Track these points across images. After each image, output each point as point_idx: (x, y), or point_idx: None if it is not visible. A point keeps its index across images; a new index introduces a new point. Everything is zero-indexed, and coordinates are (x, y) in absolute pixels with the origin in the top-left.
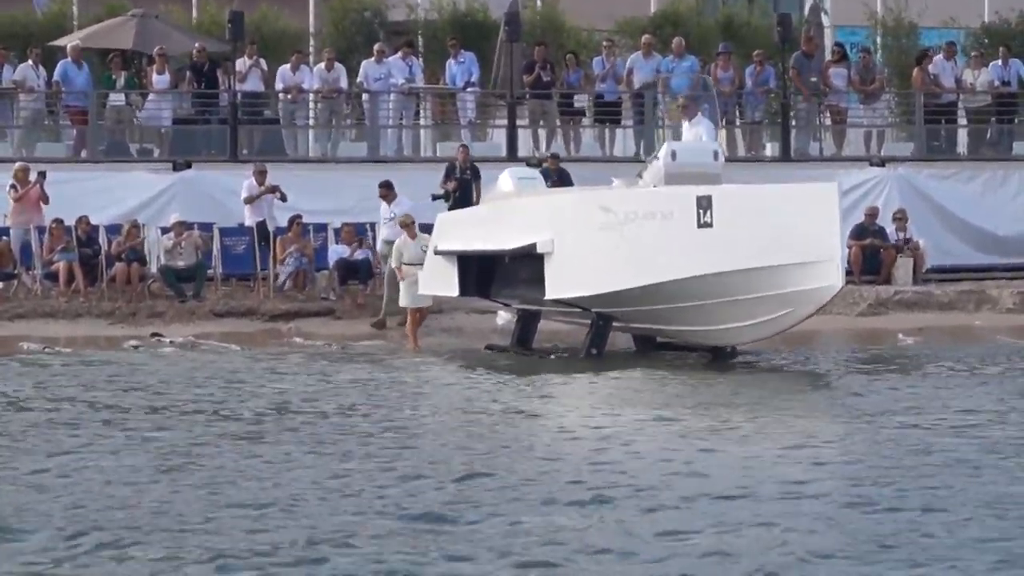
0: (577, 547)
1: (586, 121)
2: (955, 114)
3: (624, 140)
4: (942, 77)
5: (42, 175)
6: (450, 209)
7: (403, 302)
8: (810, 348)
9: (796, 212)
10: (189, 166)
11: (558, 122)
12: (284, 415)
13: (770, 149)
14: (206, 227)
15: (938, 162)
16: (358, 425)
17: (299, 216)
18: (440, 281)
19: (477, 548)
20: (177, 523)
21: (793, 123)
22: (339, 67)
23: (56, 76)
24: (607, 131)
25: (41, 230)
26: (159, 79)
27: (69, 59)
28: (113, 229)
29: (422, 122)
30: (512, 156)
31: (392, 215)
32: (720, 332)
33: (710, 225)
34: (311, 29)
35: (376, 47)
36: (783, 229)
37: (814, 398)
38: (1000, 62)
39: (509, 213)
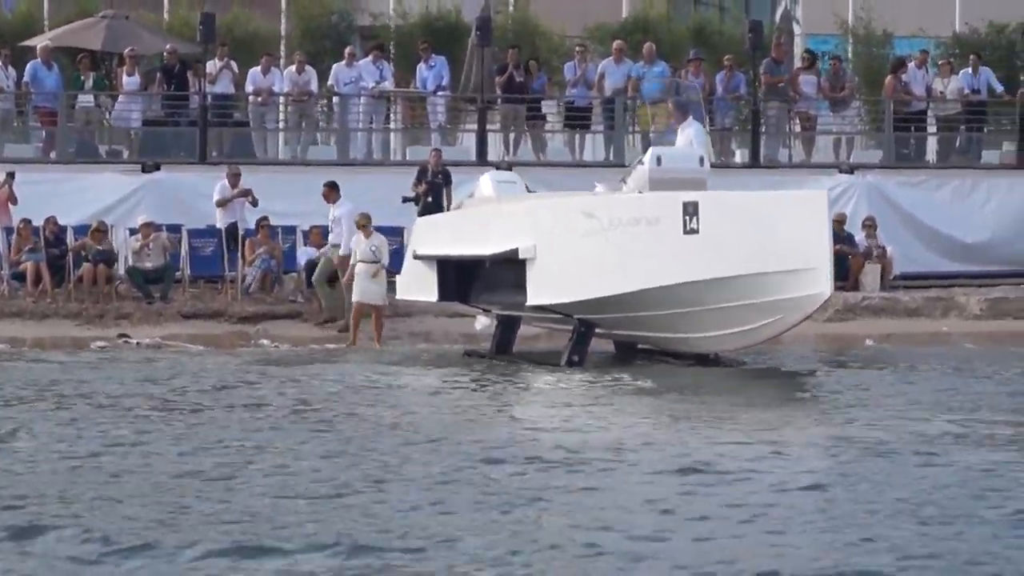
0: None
1: (557, 126)
2: (924, 122)
3: (594, 145)
4: (913, 85)
5: (11, 176)
6: (420, 213)
7: (354, 297)
8: (777, 352)
9: (785, 219)
10: (158, 168)
11: (526, 127)
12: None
13: (739, 155)
14: (174, 229)
15: (907, 170)
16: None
17: (266, 218)
18: (419, 286)
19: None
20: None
21: (763, 130)
22: (310, 70)
23: (26, 77)
24: (577, 136)
25: (9, 231)
26: (129, 80)
27: (39, 60)
28: (81, 230)
29: (392, 126)
30: (482, 160)
31: (333, 217)
32: (706, 340)
33: (696, 231)
34: (282, 32)
35: (347, 50)
36: (771, 236)
37: (781, 393)
38: (970, 70)
39: (491, 218)
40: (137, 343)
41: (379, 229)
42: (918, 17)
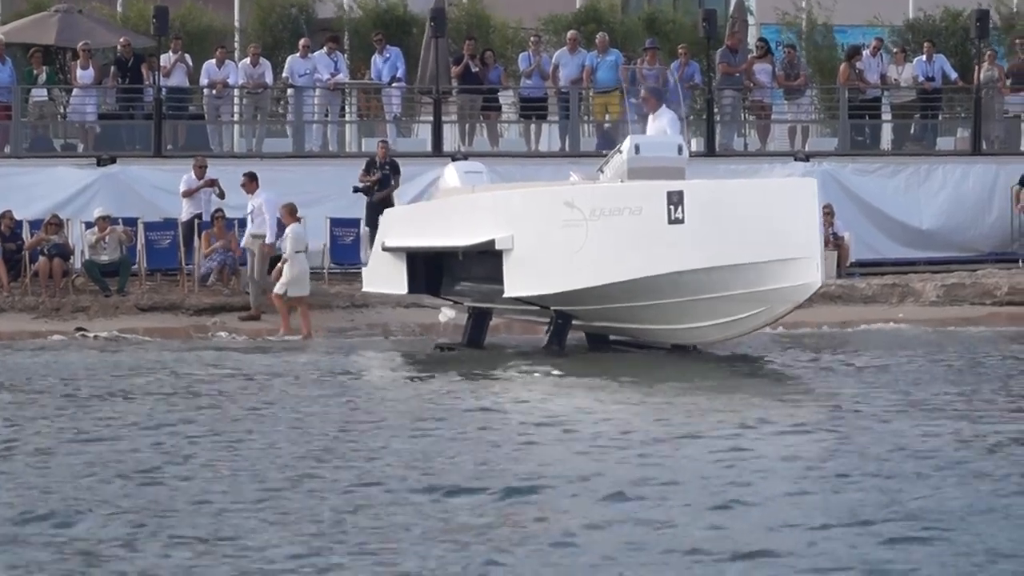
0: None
1: (512, 117)
2: (879, 110)
3: (549, 136)
4: (868, 73)
5: None
6: (370, 203)
7: (292, 290)
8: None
9: (773, 208)
10: (114, 161)
11: (481, 118)
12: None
13: (695, 144)
14: (131, 222)
15: (862, 157)
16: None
17: (220, 211)
18: (387, 278)
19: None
20: None
21: (718, 118)
22: (264, 62)
23: None
24: (532, 127)
25: None
26: (83, 74)
27: None
28: (38, 224)
29: (347, 117)
30: (438, 152)
31: (252, 207)
32: (690, 331)
33: (681, 221)
34: (236, 24)
35: (301, 42)
36: (759, 225)
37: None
38: (924, 58)
39: (463, 208)
40: (95, 336)
41: (335, 221)
42: (872, 5)
